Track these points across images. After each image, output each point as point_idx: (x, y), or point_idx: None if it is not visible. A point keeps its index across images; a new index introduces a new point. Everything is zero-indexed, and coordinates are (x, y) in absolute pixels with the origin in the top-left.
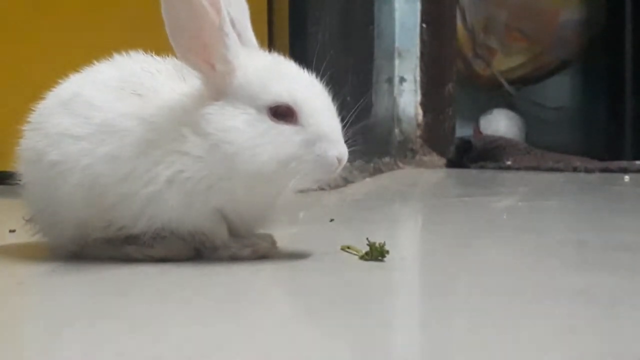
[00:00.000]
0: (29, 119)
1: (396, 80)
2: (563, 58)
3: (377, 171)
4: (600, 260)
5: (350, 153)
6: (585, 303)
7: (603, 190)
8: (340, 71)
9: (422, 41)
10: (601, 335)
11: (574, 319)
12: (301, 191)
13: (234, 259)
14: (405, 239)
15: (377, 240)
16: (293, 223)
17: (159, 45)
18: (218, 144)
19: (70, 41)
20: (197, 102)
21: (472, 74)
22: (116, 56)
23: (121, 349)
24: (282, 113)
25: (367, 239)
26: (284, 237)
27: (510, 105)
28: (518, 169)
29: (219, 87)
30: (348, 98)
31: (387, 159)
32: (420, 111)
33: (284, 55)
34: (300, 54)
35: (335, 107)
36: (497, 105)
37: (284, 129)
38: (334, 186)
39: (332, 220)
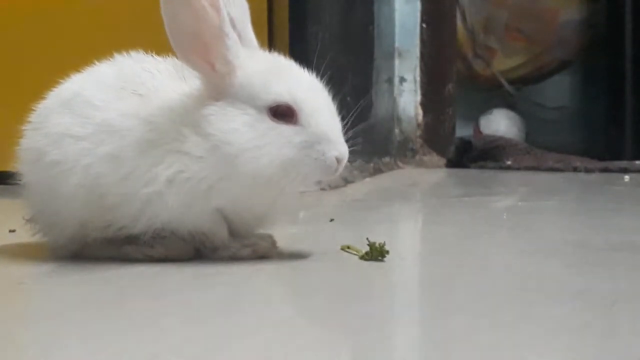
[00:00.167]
0: (29, 119)
1: (396, 80)
2: (563, 58)
3: (377, 171)
4: (600, 260)
5: (350, 153)
6: (585, 303)
7: (603, 190)
8: (340, 71)
9: (422, 41)
10: (601, 335)
11: (574, 319)
12: (301, 191)
13: (234, 259)
14: (405, 239)
15: (377, 240)
16: (293, 223)
17: (159, 45)
18: (218, 144)
19: (70, 41)
20: (197, 103)
21: (472, 74)
22: (117, 56)
23: (121, 348)
24: (282, 113)
25: (367, 239)
26: (284, 237)
27: (510, 105)
28: (518, 169)
29: (219, 87)
30: (348, 98)
31: (387, 159)
32: (420, 111)
33: (284, 55)
34: (300, 54)
35: (336, 107)
36: (497, 105)
37: (284, 129)
38: (334, 186)
39: (332, 220)
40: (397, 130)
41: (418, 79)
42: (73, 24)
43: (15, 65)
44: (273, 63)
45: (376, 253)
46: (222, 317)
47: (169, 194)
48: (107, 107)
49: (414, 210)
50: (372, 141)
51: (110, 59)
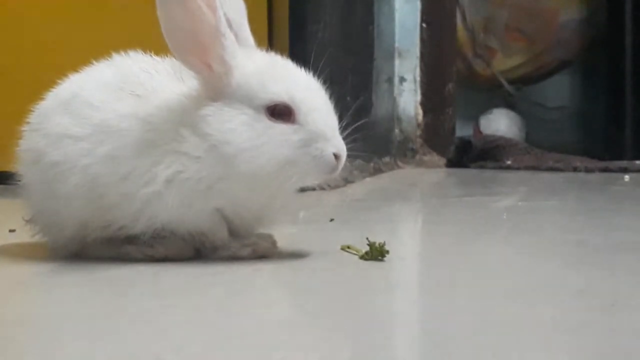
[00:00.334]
0: (28, 120)
1: (396, 80)
2: (563, 58)
3: (377, 171)
4: (600, 260)
5: (350, 153)
6: (585, 303)
7: (603, 190)
8: (340, 71)
9: (422, 41)
10: (601, 335)
11: (574, 319)
12: (301, 191)
13: (234, 258)
14: (405, 239)
15: (377, 240)
16: (293, 223)
17: (158, 45)
18: (216, 144)
19: (69, 41)
20: (195, 103)
21: (472, 74)
22: (115, 56)
23: (121, 348)
24: (280, 112)
25: (367, 238)
26: (284, 237)
27: (510, 105)
28: (518, 168)
29: (217, 88)
30: (348, 98)
31: (387, 159)
32: (420, 111)
33: (284, 55)
34: (300, 54)
35: (334, 106)
36: (497, 105)
37: (282, 128)
38: (334, 186)
39: (332, 220)
40: (397, 130)
41: (418, 78)
42: (73, 24)
43: (15, 65)
44: (270, 62)
45: (376, 253)
46: (222, 317)
47: (168, 194)
48: (105, 107)
49: (414, 210)
50: (372, 141)
51: (109, 59)
